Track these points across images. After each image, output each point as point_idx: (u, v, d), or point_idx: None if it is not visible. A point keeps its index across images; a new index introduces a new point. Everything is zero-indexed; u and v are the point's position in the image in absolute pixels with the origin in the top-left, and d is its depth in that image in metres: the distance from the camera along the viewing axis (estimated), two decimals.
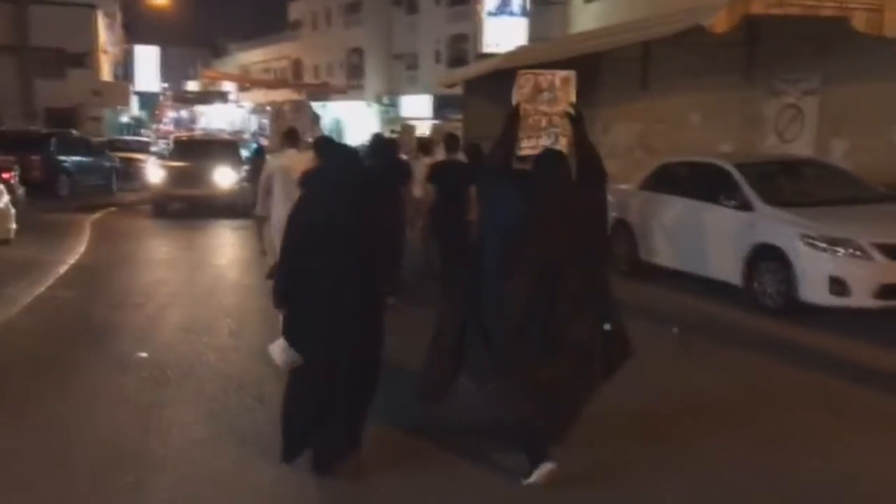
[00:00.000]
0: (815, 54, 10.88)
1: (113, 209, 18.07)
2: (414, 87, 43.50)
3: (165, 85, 74.15)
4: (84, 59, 33.81)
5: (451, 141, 9.28)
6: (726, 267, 8.38)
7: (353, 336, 3.97)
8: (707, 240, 8.74)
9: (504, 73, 16.42)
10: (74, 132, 22.49)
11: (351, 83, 49.29)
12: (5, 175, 11.58)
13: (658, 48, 12.84)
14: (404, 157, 10.79)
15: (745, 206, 8.28)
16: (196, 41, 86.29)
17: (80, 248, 12.25)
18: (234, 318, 7.84)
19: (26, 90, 32.09)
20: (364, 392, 4.12)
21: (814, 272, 7.37)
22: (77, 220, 15.38)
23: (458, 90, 17.71)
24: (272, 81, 57.16)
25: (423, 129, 39.94)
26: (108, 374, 5.95)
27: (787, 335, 7.15)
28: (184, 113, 69.24)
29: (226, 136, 25.57)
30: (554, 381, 3.95)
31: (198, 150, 17.96)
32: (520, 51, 14.41)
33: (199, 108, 68.36)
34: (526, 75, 4.32)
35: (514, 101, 4.29)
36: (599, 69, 15.32)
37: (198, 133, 30.21)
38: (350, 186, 4.06)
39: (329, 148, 4.41)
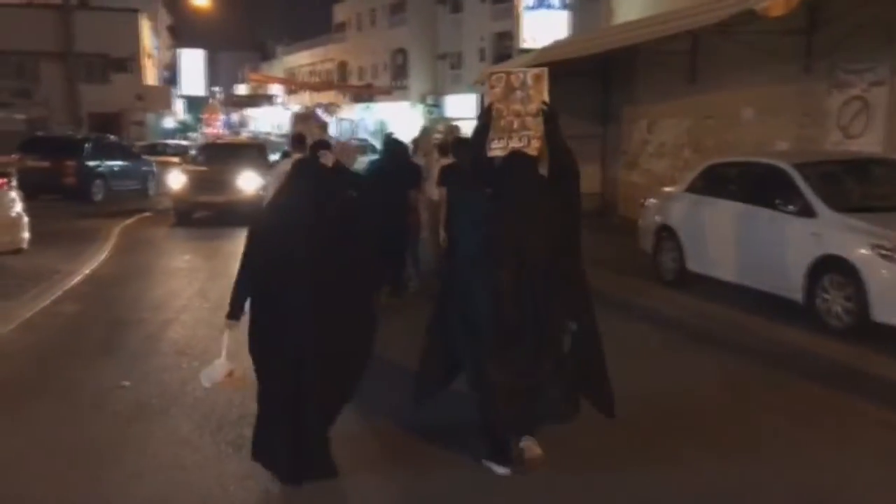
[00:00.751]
0: (882, 41, 9.77)
1: (147, 214, 17.66)
2: (458, 86, 42.84)
3: (216, 89, 75.32)
4: (127, 63, 33.94)
5: (459, 144, 8.90)
6: (785, 281, 7.44)
7: (319, 343, 3.90)
8: (762, 250, 7.80)
9: (537, 66, 15.61)
10: (111, 137, 22.31)
11: (395, 84, 48.92)
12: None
13: (707, 38, 11.85)
14: (421, 158, 10.30)
15: (807, 211, 7.33)
16: (246, 45, 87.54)
17: (101, 256, 11.83)
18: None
19: (72, 96, 32.32)
20: (335, 402, 4.06)
21: (889, 288, 6.41)
22: (106, 226, 14.97)
23: None
24: (317, 84, 57.20)
25: (469, 129, 39.41)
26: (79, 408, 5.36)
27: (856, 362, 6.21)
28: (234, 116, 70.25)
29: (253, 140, 24.04)
30: (536, 386, 4.00)
31: (222, 155, 16.93)
32: (554, 46, 13.58)
33: (248, 112, 69.24)
34: (497, 74, 4.25)
35: (485, 102, 4.26)
36: (644, 63, 14.37)
37: (226, 137, 29.86)
38: (309, 192, 3.97)
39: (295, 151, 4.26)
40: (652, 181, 14.19)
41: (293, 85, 58.76)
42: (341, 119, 55.01)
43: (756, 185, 8.29)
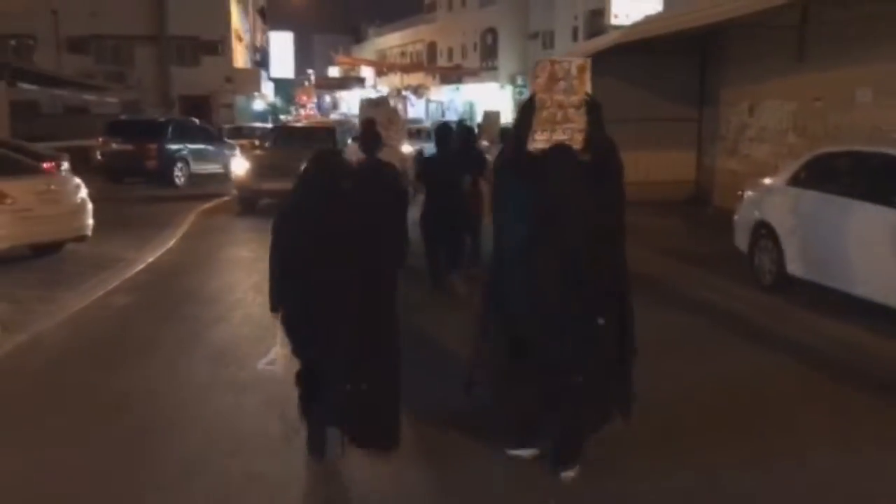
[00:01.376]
0: None
1: (226, 198, 17.49)
2: None
3: (310, 71, 76.15)
4: (217, 46, 34.27)
5: (504, 132, 9.44)
6: None
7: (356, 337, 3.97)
8: (878, 255, 6.70)
9: (631, 48, 14.66)
10: (195, 120, 22.37)
11: (484, 65, 48.02)
12: (46, 166, 10.96)
13: (820, 10, 10.61)
14: (485, 144, 9.79)
15: None
16: (340, 27, 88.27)
17: (169, 243, 11.60)
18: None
19: (163, 79, 32.91)
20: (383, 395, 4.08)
21: None
22: (182, 210, 14.84)
23: None
24: (406, 65, 56.82)
25: None
26: (89, 421, 4.90)
27: None
28: (327, 98, 70.89)
29: (324, 123, 22.13)
30: (581, 386, 3.90)
31: (290, 139, 15.98)
32: (644, 21, 12.49)
33: (340, 94, 69.71)
34: (542, 63, 4.12)
35: (529, 91, 4.19)
36: (745, 39, 13.12)
37: (299, 119, 28.85)
38: (336, 185, 4.00)
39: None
40: (752, 169, 13.01)
41: (382, 67, 58.52)
42: (430, 101, 54.61)
43: (872, 178, 7.18)
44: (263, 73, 40.05)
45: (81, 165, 20.16)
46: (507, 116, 45.46)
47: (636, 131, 14.77)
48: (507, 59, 46.99)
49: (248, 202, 14.73)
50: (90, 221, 10.31)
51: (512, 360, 4.00)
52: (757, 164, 13.07)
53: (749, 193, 8.88)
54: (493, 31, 48.17)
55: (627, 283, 4.09)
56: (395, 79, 64.96)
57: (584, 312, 3.87)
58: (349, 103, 70.18)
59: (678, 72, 14.84)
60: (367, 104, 7.60)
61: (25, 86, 21.32)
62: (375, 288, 4.01)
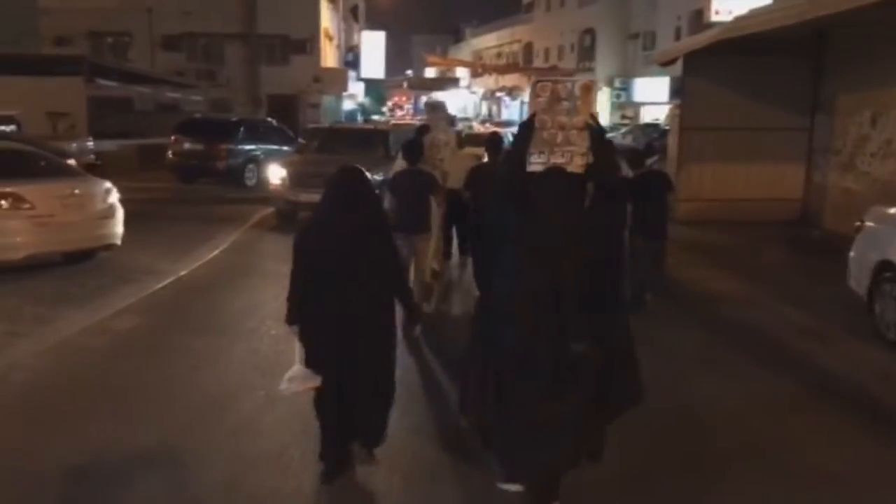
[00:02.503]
0: None
1: None
2: (650, 68, 39.51)
3: (409, 72, 75.87)
4: (307, 45, 33.92)
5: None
6: None
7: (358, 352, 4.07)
8: None
9: (731, 47, 12.96)
10: (270, 120, 21.78)
11: (581, 66, 46.31)
12: None
13: None
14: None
15: None
16: (439, 28, 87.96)
17: (212, 253, 10.74)
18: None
19: (252, 77, 32.79)
20: (378, 404, 4.26)
21: None
22: (242, 215, 14.05)
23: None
24: (500, 66, 55.68)
25: (657, 114, 36.51)
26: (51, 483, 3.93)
27: None
28: (423, 99, 70.51)
29: (377, 126, 18.42)
30: (558, 417, 3.65)
31: (335, 144, 13.80)
32: (751, 15, 10.82)
33: (437, 95, 69.24)
34: (543, 83, 3.96)
35: (529, 111, 3.96)
36: (870, 36, 11.26)
37: (347, 122, 26.36)
38: (346, 209, 4.06)
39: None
40: (872, 189, 11.20)
41: (476, 67, 57.60)
42: (524, 102, 53.30)
43: None
44: (352, 73, 39.48)
45: (155, 164, 20.13)
46: (604, 120, 44.14)
47: (734, 141, 13.19)
48: (604, 60, 45.27)
49: (286, 215, 13.00)
50: (119, 229, 9.54)
51: (497, 393, 3.79)
52: (879, 183, 11.22)
53: (870, 224, 7.22)
54: (591, 32, 46.52)
55: (625, 322, 3.87)
56: (490, 80, 63.97)
57: (566, 344, 3.63)
58: (445, 104, 69.69)
59: (787, 76, 13.07)
60: (428, 108, 6.94)
61: (104, 82, 21.31)
62: (375, 317, 4.11)
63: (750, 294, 8.78)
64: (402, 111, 54.67)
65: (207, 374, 5.99)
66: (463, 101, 71.91)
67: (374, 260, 4.06)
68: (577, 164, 3.86)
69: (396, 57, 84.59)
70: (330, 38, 37.74)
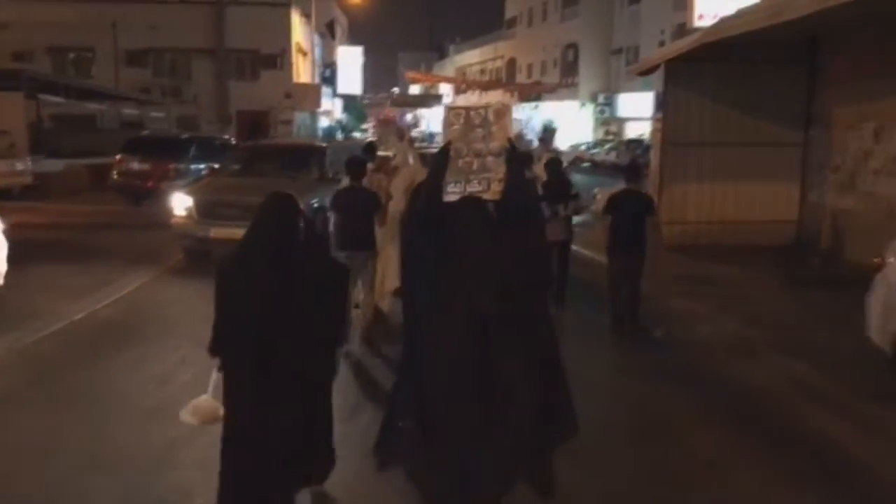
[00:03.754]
0: None
1: None
2: (633, 83, 38.59)
3: (395, 89, 74.89)
4: (277, 60, 32.66)
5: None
6: None
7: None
8: None
9: (716, 54, 11.66)
10: (226, 136, 20.49)
11: (564, 82, 45.36)
12: None
13: None
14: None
15: None
16: (425, 45, 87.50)
17: (126, 289, 9.29)
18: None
19: (220, 93, 31.52)
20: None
21: None
22: (174, 246, 12.50)
23: None
24: (483, 83, 54.80)
25: (641, 129, 35.51)
26: None
27: None
28: (408, 116, 69.45)
29: (310, 142, 15.20)
30: (489, 447, 3.42)
31: (261, 164, 11.41)
32: (738, 15, 9.55)
33: (421, 112, 68.16)
34: (456, 111, 3.88)
35: (444, 139, 3.88)
36: (871, 42, 10.06)
37: (277, 139, 21.82)
38: (274, 254, 3.63)
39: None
40: (876, 210, 9.98)
41: (458, 83, 56.74)
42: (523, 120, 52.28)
43: None
44: (326, 90, 38.17)
45: (100, 185, 18.73)
46: (587, 135, 43.13)
47: (722, 158, 11.93)
48: (588, 75, 44.40)
49: (196, 255, 10.23)
50: (2, 267, 8.13)
51: (423, 437, 3.55)
52: (884, 203, 9.98)
53: (892, 260, 5.89)
54: (574, 47, 45.69)
55: (556, 350, 3.64)
56: (474, 96, 63.02)
57: (494, 373, 3.42)
58: (429, 121, 68.71)
59: (778, 85, 11.86)
60: (380, 123, 5.88)
61: (49, 98, 19.94)
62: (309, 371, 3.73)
63: (742, 339, 7.44)
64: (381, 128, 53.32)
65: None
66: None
67: (309, 313, 3.64)
68: (494, 191, 3.76)
69: (382, 74, 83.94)
70: (304, 54, 36.49)
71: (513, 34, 55.59)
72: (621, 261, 7.46)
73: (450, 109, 3.90)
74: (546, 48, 49.13)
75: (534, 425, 3.50)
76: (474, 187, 3.75)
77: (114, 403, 5.66)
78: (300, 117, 35.04)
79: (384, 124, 22.64)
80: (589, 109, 44.58)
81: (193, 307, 8.53)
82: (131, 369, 6.46)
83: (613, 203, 7.54)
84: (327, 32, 43.75)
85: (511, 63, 55.97)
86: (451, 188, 3.75)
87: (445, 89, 71.20)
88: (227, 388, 3.69)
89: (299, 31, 34.81)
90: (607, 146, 38.13)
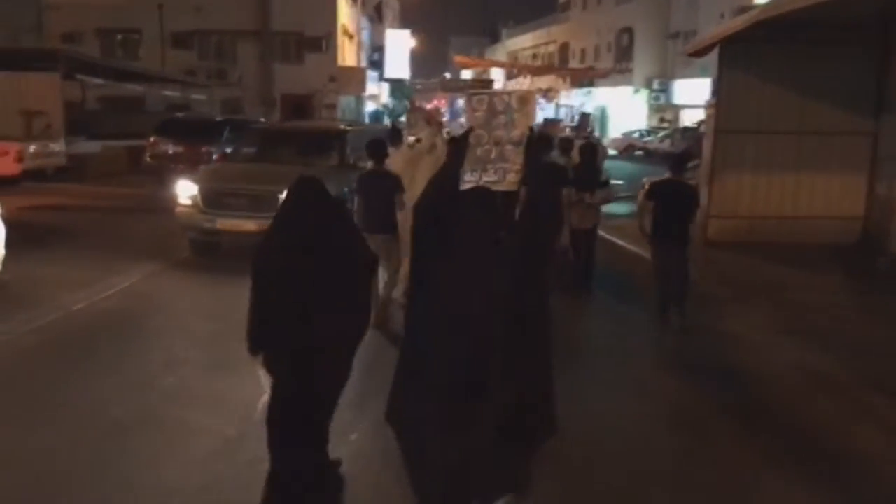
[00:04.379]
0: None
1: None
2: (691, 69, 37.13)
3: (447, 75, 74.14)
4: (322, 42, 32.15)
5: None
6: None
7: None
8: None
9: (777, 35, 10.68)
10: (261, 120, 20.00)
11: (618, 67, 43.97)
12: None
13: None
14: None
15: None
16: (478, 30, 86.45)
17: (135, 277, 8.82)
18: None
19: (265, 76, 31.20)
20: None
21: None
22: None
23: None
24: (534, 67, 53.68)
25: (698, 116, 34.09)
26: None
27: None
28: (460, 102, 68.71)
29: (332, 126, 13.14)
30: (468, 444, 3.30)
31: (275, 149, 10.34)
32: None
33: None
34: (479, 97, 3.82)
35: (466, 125, 3.84)
36: None
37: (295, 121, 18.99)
38: (298, 220, 3.58)
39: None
40: None
41: (507, 67, 55.74)
42: (560, 105, 51.06)
43: None
44: (371, 74, 37.52)
45: (136, 167, 18.48)
46: (641, 122, 41.78)
47: (780, 147, 11.00)
48: (643, 60, 42.98)
49: (204, 247, 9.71)
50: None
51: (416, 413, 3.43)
52: None
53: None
54: (629, 31, 44.25)
55: (548, 350, 3.47)
56: (526, 82, 61.85)
57: (479, 370, 3.26)
58: None
59: (845, 68, 10.83)
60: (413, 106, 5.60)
61: (85, 78, 19.76)
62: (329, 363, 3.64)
63: (809, 366, 6.34)
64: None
65: None
66: None
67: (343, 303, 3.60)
68: (509, 182, 3.68)
69: (435, 60, 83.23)
70: (350, 36, 35.92)
71: (566, 17, 54.31)
72: (663, 252, 7.17)
73: (473, 95, 3.82)
74: (600, 32, 47.78)
75: (511, 426, 3.37)
76: (489, 177, 3.67)
77: (83, 412, 5.11)
78: (345, 101, 34.56)
79: (417, 109, 22.27)
80: (643, 96, 43.18)
81: (195, 303, 8.08)
82: (113, 371, 5.92)
83: (655, 191, 7.25)
84: (375, 15, 43.13)
85: (564, 48, 54.72)
86: (467, 177, 3.66)
87: (497, 74, 70.30)
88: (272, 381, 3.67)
89: (345, 12, 34.25)
90: (661, 134, 36.80)
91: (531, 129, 3.73)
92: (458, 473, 3.37)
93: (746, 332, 7.27)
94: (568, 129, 28.43)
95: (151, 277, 9.02)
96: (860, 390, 5.81)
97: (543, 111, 56.48)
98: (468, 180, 3.66)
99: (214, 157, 15.42)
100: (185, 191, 9.44)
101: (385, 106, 42.57)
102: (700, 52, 11.84)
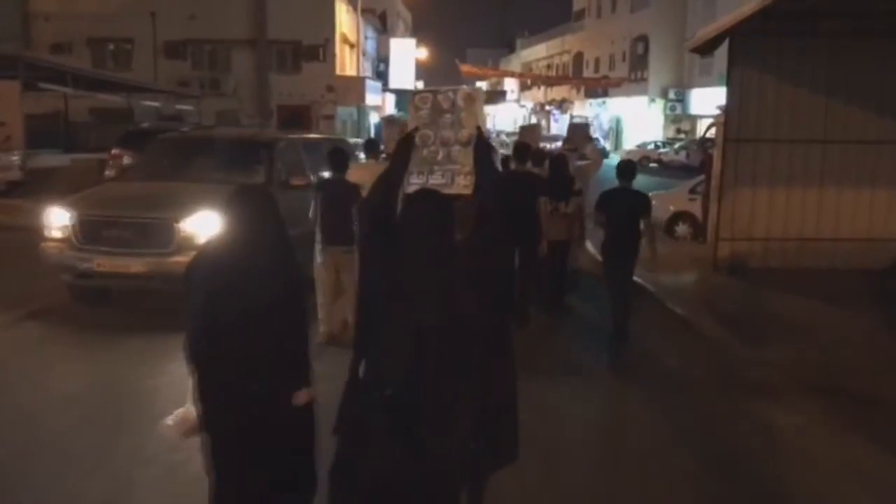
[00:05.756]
0: None
1: None
2: (708, 78, 35.56)
3: (464, 86, 73.23)
4: (320, 51, 30.89)
5: (519, 152, 8.05)
6: None
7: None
8: None
9: (797, 25, 9.23)
10: (185, 129, 18.59)
11: (632, 76, 42.41)
12: None
13: None
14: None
15: None
16: (494, 41, 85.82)
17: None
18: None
19: (261, 86, 29.98)
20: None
21: None
22: None
23: None
24: (548, 77, 52.33)
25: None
26: None
27: None
28: None
29: (258, 136, 10.28)
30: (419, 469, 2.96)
31: (183, 163, 8.34)
32: None
33: (487, 109, 66.22)
34: (422, 94, 3.62)
35: (410, 125, 3.65)
36: None
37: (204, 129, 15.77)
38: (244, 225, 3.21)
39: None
40: None
41: (520, 78, 54.51)
42: (573, 116, 49.62)
43: None
44: (375, 84, 36.17)
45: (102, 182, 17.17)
46: (657, 133, 40.21)
47: (799, 158, 9.58)
48: (658, 69, 41.38)
49: (82, 292, 7.64)
50: None
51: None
52: None
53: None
54: (644, 39, 42.72)
55: (511, 374, 3.27)
56: (539, 93, 60.47)
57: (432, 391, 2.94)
58: (494, 118, 66.50)
59: (879, 66, 9.31)
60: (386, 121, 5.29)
61: (50, 87, 18.49)
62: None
63: (820, 413, 4.95)
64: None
65: None
66: (512, 114, 68.72)
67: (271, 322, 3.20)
68: (459, 185, 3.47)
69: (451, 72, 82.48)
70: (350, 45, 34.64)
71: (581, 27, 52.97)
72: (611, 263, 6.87)
73: (416, 94, 3.68)
74: (615, 41, 46.36)
75: (465, 449, 3.06)
76: (437, 180, 3.50)
77: None
78: (345, 112, 33.27)
79: (391, 123, 22.11)
80: (659, 105, 41.59)
81: (44, 378, 5.77)
82: None
83: (605, 201, 6.85)
84: (380, 24, 41.90)
85: (578, 57, 53.40)
86: (413, 179, 3.51)
87: (511, 85, 68.86)
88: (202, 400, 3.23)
89: (345, 20, 32.99)
90: (677, 145, 35.20)
91: (479, 128, 3.48)
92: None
93: (764, 366, 5.68)
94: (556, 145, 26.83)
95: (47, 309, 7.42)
96: (856, 420, 4.24)
97: (557, 123, 55.24)
98: (414, 182, 3.47)
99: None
100: (56, 219, 7.26)
101: (392, 117, 41.22)
102: (705, 48, 10.32)
